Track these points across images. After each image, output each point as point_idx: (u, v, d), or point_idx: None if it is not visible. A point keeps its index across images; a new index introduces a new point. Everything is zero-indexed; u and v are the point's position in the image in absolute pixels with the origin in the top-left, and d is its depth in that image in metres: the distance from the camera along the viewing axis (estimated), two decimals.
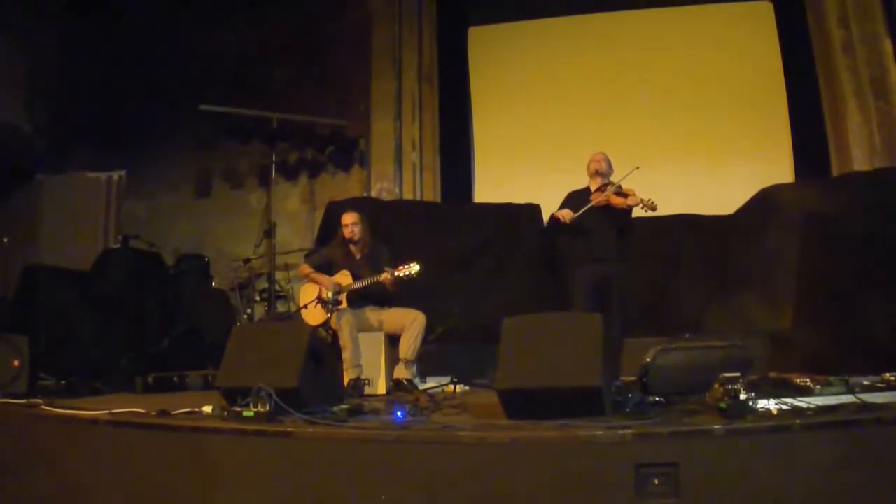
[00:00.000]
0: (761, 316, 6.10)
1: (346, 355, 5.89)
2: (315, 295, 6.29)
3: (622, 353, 5.48)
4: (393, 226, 7.59)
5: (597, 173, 6.18)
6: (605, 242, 6.04)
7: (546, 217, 6.44)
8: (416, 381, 6.03)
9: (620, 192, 5.96)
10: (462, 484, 3.18)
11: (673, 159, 8.75)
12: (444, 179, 9.64)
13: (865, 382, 3.77)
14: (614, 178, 6.13)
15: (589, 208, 5.94)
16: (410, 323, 6.02)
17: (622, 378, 4.60)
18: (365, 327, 6.17)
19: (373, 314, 6.25)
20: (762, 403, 3.37)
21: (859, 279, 5.78)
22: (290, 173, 9.75)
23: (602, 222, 6.01)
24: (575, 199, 6.19)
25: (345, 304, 6.17)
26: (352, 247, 6.44)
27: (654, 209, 5.77)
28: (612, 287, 5.96)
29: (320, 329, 6.05)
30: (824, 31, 8.46)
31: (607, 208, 5.96)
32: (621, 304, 5.90)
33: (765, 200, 6.81)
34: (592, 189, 6.17)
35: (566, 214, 6.00)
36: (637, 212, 5.96)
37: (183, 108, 9.32)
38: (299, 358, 4.08)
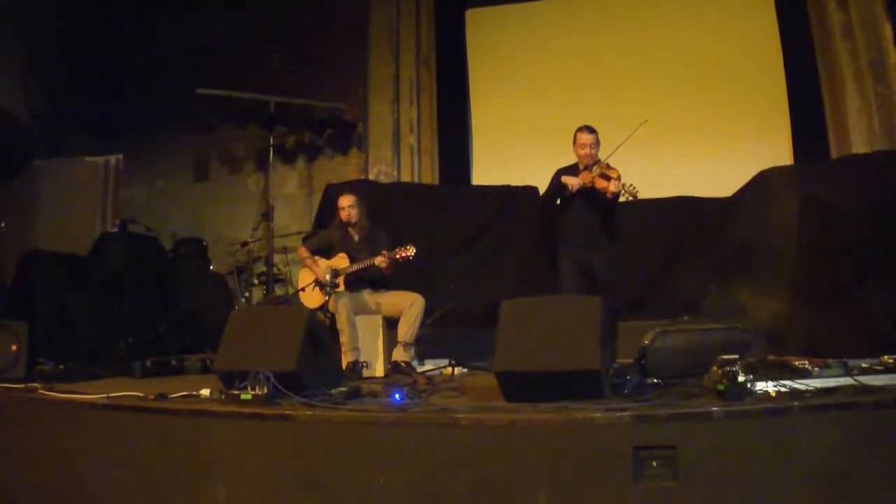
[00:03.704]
0: (760, 298, 6.10)
1: (343, 339, 5.89)
2: (313, 278, 6.29)
3: (616, 337, 5.48)
4: (391, 208, 7.57)
5: (588, 157, 5.97)
6: (589, 228, 5.96)
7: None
8: (415, 363, 6.04)
9: (605, 175, 5.80)
10: (460, 466, 3.18)
11: (671, 142, 8.72)
12: (442, 162, 9.63)
13: (864, 365, 3.78)
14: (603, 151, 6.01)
15: (581, 186, 5.84)
16: (409, 306, 6.03)
17: (620, 360, 4.60)
18: (363, 310, 6.18)
19: (371, 297, 6.25)
20: (760, 386, 3.38)
21: (858, 262, 5.78)
22: (287, 157, 9.74)
23: (586, 207, 5.93)
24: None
25: (342, 287, 6.17)
26: (350, 230, 6.44)
27: (635, 196, 5.67)
28: (597, 273, 5.92)
29: (318, 312, 6.06)
30: (823, 14, 8.42)
31: (592, 191, 5.86)
32: (609, 289, 5.72)
33: (763, 183, 6.79)
34: (581, 167, 6.03)
35: (575, 182, 5.84)
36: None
37: (180, 92, 9.28)
38: (297, 341, 4.07)
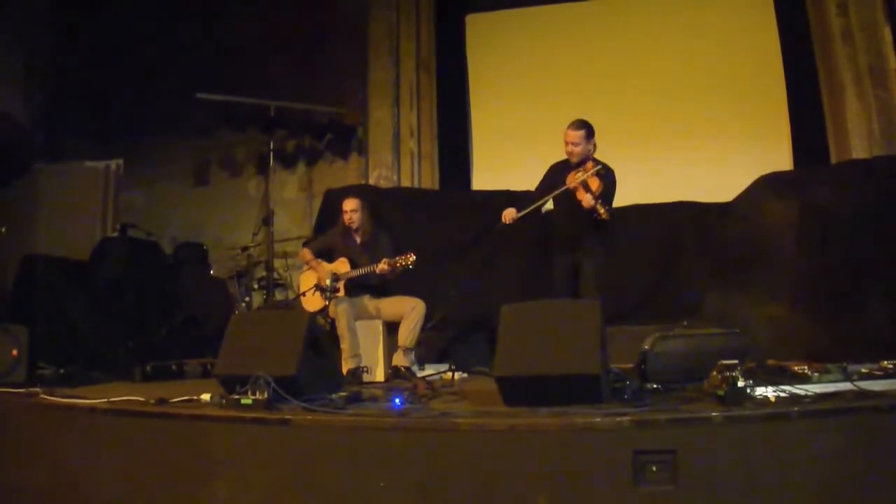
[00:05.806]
0: (759, 303, 6.10)
1: (343, 344, 5.90)
2: (314, 281, 6.30)
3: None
4: (391, 213, 7.59)
5: (574, 154, 5.90)
6: (576, 229, 5.86)
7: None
8: (415, 368, 6.04)
9: (586, 185, 5.66)
10: (460, 471, 3.18)
11: (672, 147, 8.74)
12: (442, 167, 9.62)
13: (863, 370, 3.76)
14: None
15: (536, 207, 5.82)
16: (410, 311, 6.03)
17: (620, 365, 4.60)
18: (363, 315, 6.19)
19: (371, 302, 6.26)
20: (760, 391, 3.37)
21: (857, 267, 5.79)
22: (287, 161, 9.73)
23: (573, 206, 5.77)
24: (555, 174, 6.05)
25: (342, 292, 6.17)
26: (352, 233, 6.45)
27: (603, 218, 5.56)
28: (584, 274, 5.84)
29: (319, 316, 6.06)
30: (823, 18, 8.42)
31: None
32: (596, 290, 5.67)
33: (763, 188, 6.79)
34: (572, 162, 5.94)
35: (508, 215, 5.85)
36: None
37: (180, 97, 9.27)
38: (298, 345, 4.08)
